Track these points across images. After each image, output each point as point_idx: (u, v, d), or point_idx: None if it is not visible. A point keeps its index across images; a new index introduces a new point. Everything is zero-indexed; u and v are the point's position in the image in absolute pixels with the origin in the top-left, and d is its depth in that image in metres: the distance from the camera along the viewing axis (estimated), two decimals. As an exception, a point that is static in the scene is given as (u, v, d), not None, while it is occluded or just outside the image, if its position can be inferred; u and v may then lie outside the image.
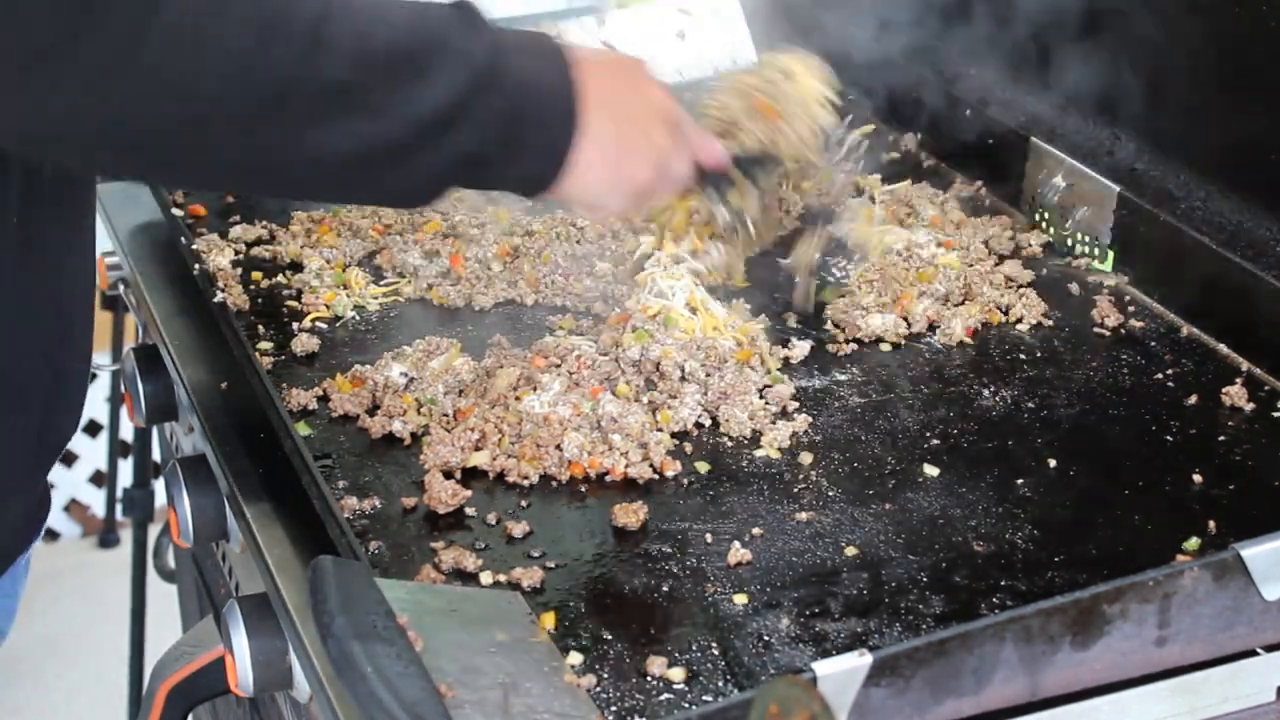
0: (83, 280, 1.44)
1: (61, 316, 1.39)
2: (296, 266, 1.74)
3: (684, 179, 1.44)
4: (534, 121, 1.24)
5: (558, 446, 1.43)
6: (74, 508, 3.70)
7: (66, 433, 1.44)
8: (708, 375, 1.53)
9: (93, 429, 3.66)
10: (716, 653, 1.21)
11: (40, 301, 1.35)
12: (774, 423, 1.49)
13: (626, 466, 1.41)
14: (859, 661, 1.08)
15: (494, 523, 1.36)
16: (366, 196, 1.28)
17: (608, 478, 1.42)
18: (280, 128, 1.12)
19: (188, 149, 1.13)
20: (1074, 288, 1.73)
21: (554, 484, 1.41)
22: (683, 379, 1.52)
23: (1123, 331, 1.65)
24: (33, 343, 1.35)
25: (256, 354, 1.55)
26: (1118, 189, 1.75)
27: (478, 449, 1.43)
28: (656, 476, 1.42)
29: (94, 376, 3.58)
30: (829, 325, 1.65)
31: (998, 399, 1.54)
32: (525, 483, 1.41)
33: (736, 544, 1.32)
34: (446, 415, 1.48)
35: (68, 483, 3.67)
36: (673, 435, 1.47)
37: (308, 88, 1.11)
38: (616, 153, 1.31)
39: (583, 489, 1.41)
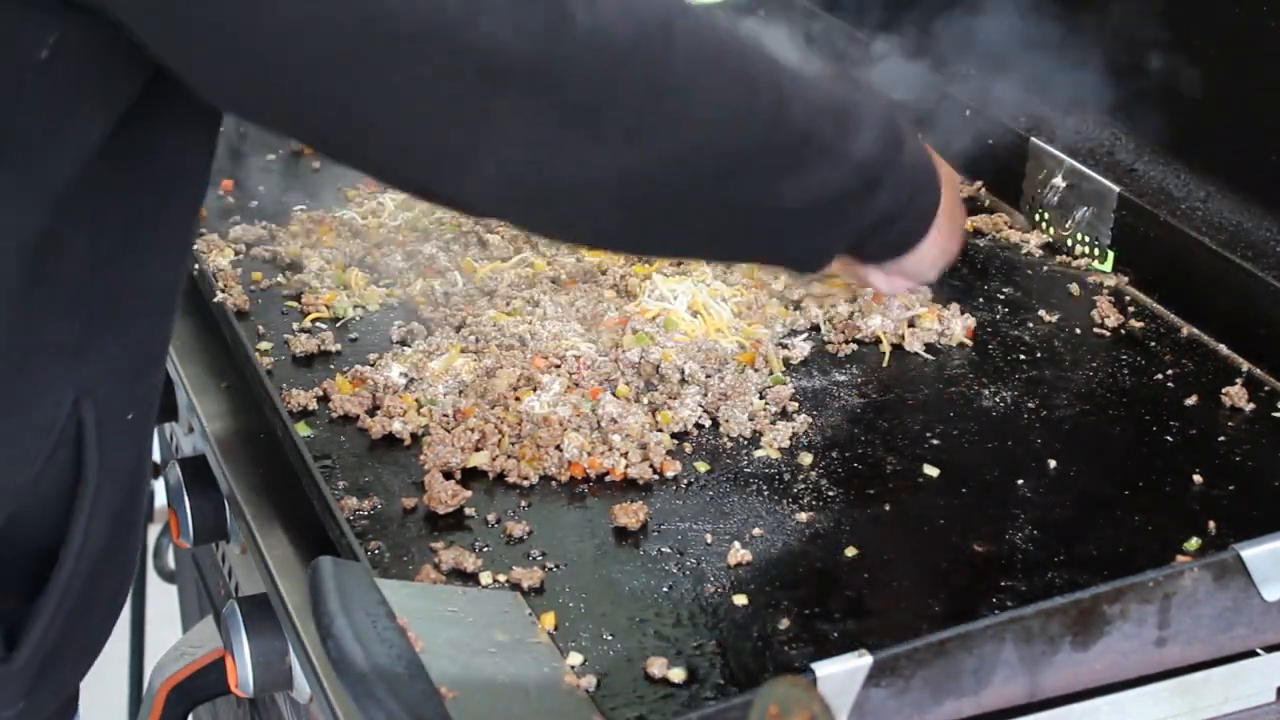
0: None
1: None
2: (296, 266, 1.74)
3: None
4: (920, 185, 1.27)
5: (557, 447, 1.43)
6: (74, 508, 3.69)
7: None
8: (707, 376, 1.53)
9: (93, 429, 3.66)
10: (716, 653, 1.21)
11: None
12: (774, 423, 1.49)
13: (626, 467, 1.41)
14: (859, 661, 1.08)
15: (494, 523, 1.36)
16: (794, 250, 1.25)
17: (607, 478, 1.42)
18: (755, 177, 1.14)
19: (677, 207, 1.13)
20: (1074, 288, 1.73)
21: (554, 484, 1.41)
22: (683, 380, 1.52)
23: (1123, 331, 1.65)
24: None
25: (256, 354, 1.55)
26: (1118, 189, 1.76)
27: (478, 449, 1.43)
28: (656, 477, 1.42)
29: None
30: (828, 324, 1.64)
31: (998, 399, 1.54)
32: (525, 483, 1.41)
33: (736, 544, 1.32)
34: (447, 415, 1.48)
35: (68, 483, 3.66)
36: (673, 435, 1.47)
37: (782, 136, 1.13)
38: (951, 216, 1.35)
39: (583, 489, 1.41)
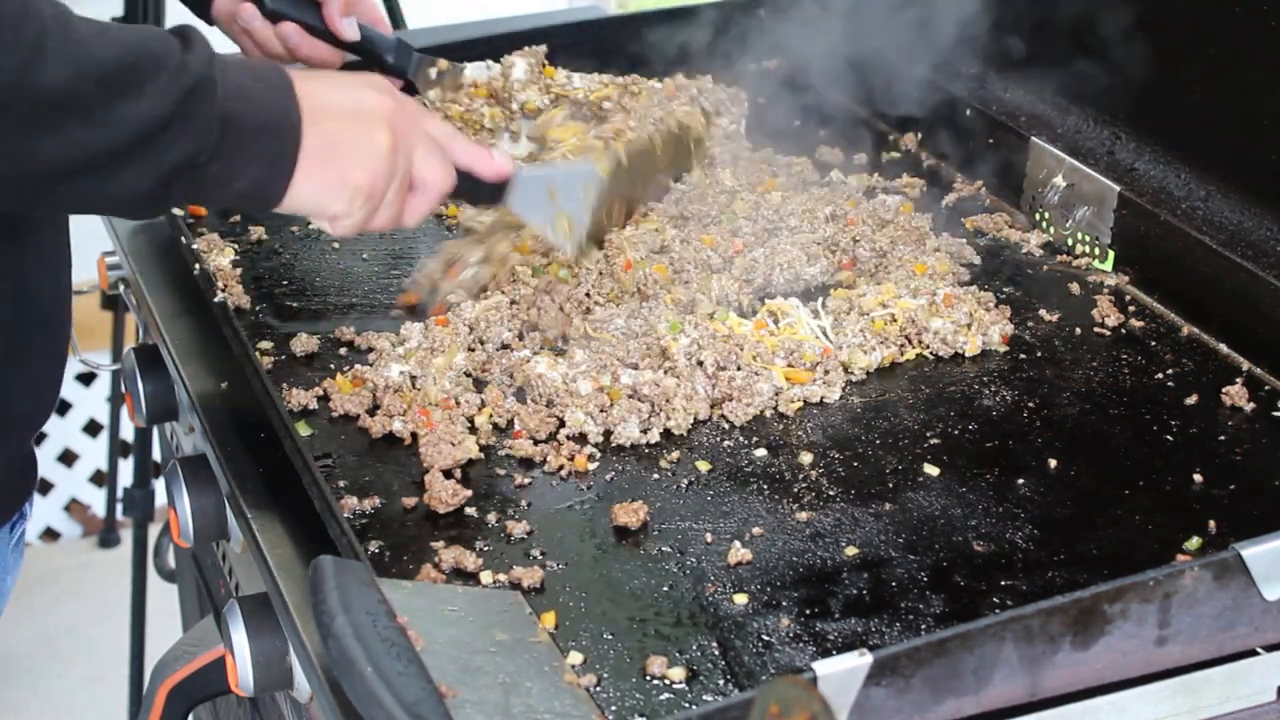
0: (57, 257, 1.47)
1: (30, 275, 1.42)
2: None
3: (434, 184, 1.42)
4: (250, 129, 1.27)
5: (561, 421, 1.45)
6: (74, 508, 3.70)
7: (43, 401, 1.47)
8: (721, 369, 1.53)
9: (93, 429, 3.66)
10: (716, 653, 1.21)
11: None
12: (775, 422, 1.49)
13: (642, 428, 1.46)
14: (859, 661, 1.08)
15: (494, 522, 1.36)
16: (90, 206, 1.28)
17: (612, 439, 1.45)
18: (1, 133, 1.16)
19: None
20: (1074, 288, 1.73)
21: (554, 483, 1.41)
22: (699, 364, 1.54)
23: (1123, 331, 1.65)
24: None
25: (256, 354, 1.55)
26: (1118, 189, 1.76)
27: (472, 429, 1.46)
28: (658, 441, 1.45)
29: (94, 376, 3.59)
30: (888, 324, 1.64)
31: (998, 399, 1.54)
32: (521, 454, 1.44)
33: (736, 544, 1.32)
34: (445, 396, 1.50)
35: (68, 482, 3.67)
36: (673, 435, 1.48)
37: (27, 94, 1.15)
38: (330, 154, 1.32)
39: (584, 488, 1.41)
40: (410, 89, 1.86)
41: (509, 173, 1.51)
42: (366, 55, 1.82)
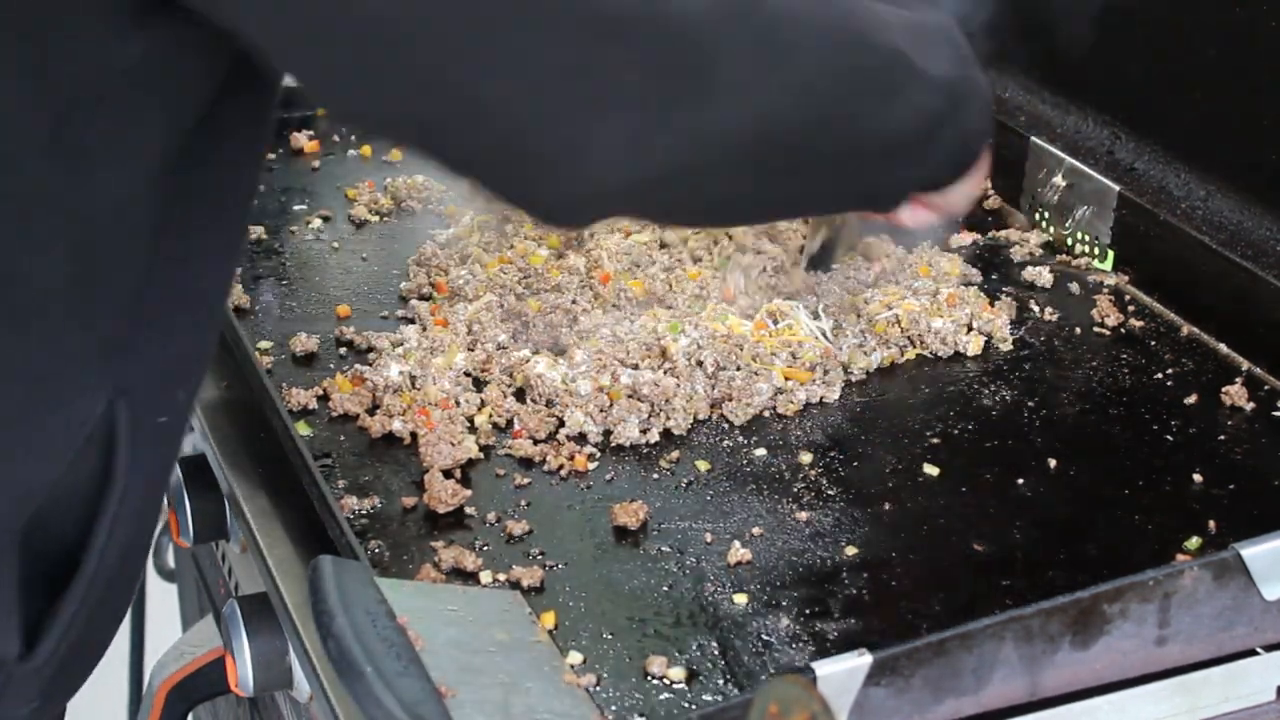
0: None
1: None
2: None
3: None
4: (985, 103, 1.24)
5: (560, 420, 1.45)
6: (74, 507, 3.69)
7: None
8: (720, 369, 1.53)
9: (93, 429, 3.66)
10: (716, 653, 1.21)
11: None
12: (775, 422, 1.49)
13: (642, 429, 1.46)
14: (859, 661, 1.08)
15: (494, 522, 1.36)
16: (887, 191, 1.22)
17: (612, 439, 1.45)
18: (867, 107, 1.11)
19: (800, 154, 1.10)
20: (1074, 288, 1.73)
21: (554, 483, 1.41)
22: (699, 364, 1.53)
23: (1123, 331, 1.65)
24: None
25: (256, 354, 1.55)
26: (1118, 189, 1.76)
27: (472, 429, 1.46)
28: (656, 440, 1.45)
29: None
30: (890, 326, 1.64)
31: (998, 399, 1.54)
32: (521, 454, 1.43)
33: (736, 544, 1.32)
34: (445, 396, 1.50)
35: (68, 482, 3.66)
36: (673, 435, 1.48)
37: (878, 58, 1.11)
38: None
39: (583, 488, 1.41)
40: None
41: None
42: None
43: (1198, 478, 1.41)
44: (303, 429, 1.46)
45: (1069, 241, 1.82)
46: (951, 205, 1.33)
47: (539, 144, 0.99)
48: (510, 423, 1.49)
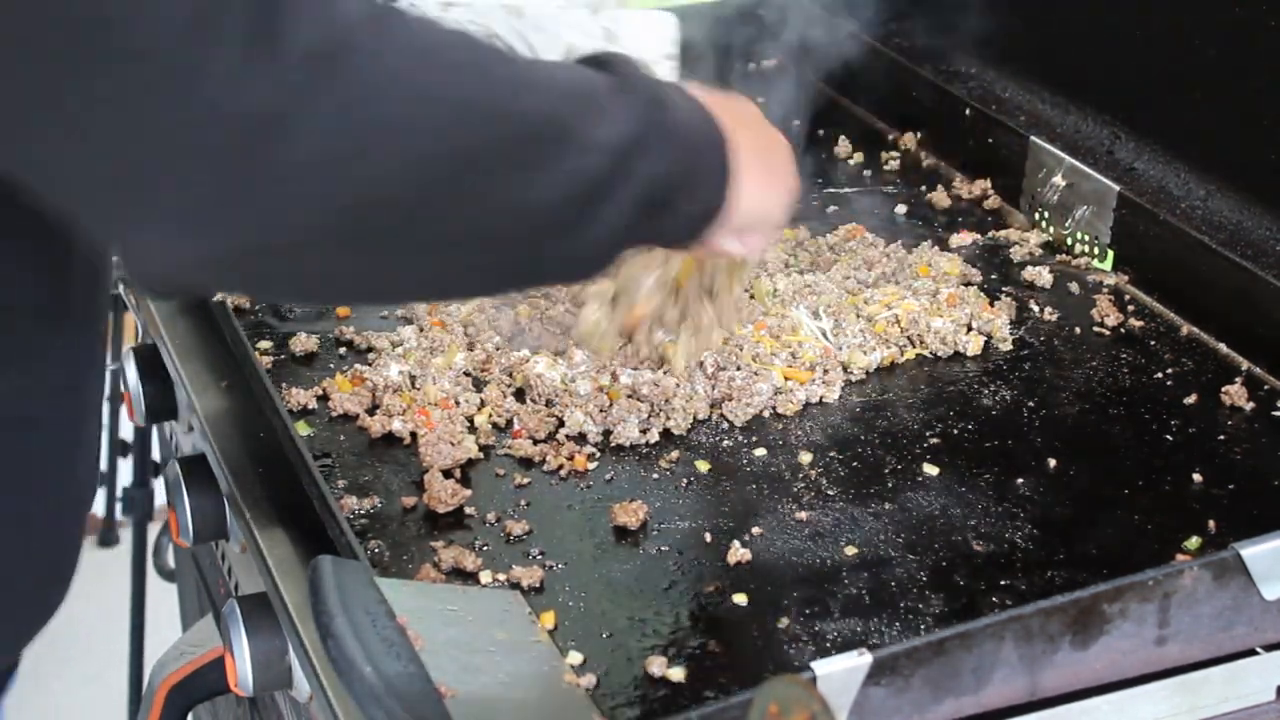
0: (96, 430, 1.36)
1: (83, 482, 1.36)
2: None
3: (794, 191, 1.33)
4: (699, 145, 1.16)
5: (560, 420, 1.45)
6: (74, 507, 3.69)
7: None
8: (720, 369, 1.53)
9: (93, 428, 3.66)
10: (717, 653, 1.21)
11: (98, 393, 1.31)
12: (775, 422, 1.49)
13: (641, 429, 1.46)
14: (859, 661, 1.08)
15: (494, 522, 1.36)
16: (559, 264, 1.11)
17: (612, 439, 1.45)
18: (502, 176, 1.01)
19: (412, 220, 0.99)
20: (1074, 288, 1.73)
21: (553, 482, 1.41)
22: (699, 365, 1.54)
23: (1123, 331, 1.65)
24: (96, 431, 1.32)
25: (256, 354, 1.55)
26: (1118, 188, 1.75)
27: (471, 429, 1.46)
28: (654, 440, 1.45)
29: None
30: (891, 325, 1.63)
31: (998, 399, 1.54)
32: (521, 454, 1.43)
33: (736, 544, 1.32)
34: (445, 396, 1.50)
35: (68, 482, 3.66)
36: (673, 435, 1.48)
37: (520, 127, 1.02)
38: (765, 157, 1.25)
39: (583, 488, 1.41)
40: None
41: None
42: None
43: (1198, 478, 1.41)
44: (303, 429, 1.46)
45: (1069, 241, 1.82)
46: (758, 224, 1.25)
47: (102, 230, 0.99)
48: (510, 423, 1.49)
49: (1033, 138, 1.87)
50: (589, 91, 1.08)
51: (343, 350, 1.60)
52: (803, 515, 1.37)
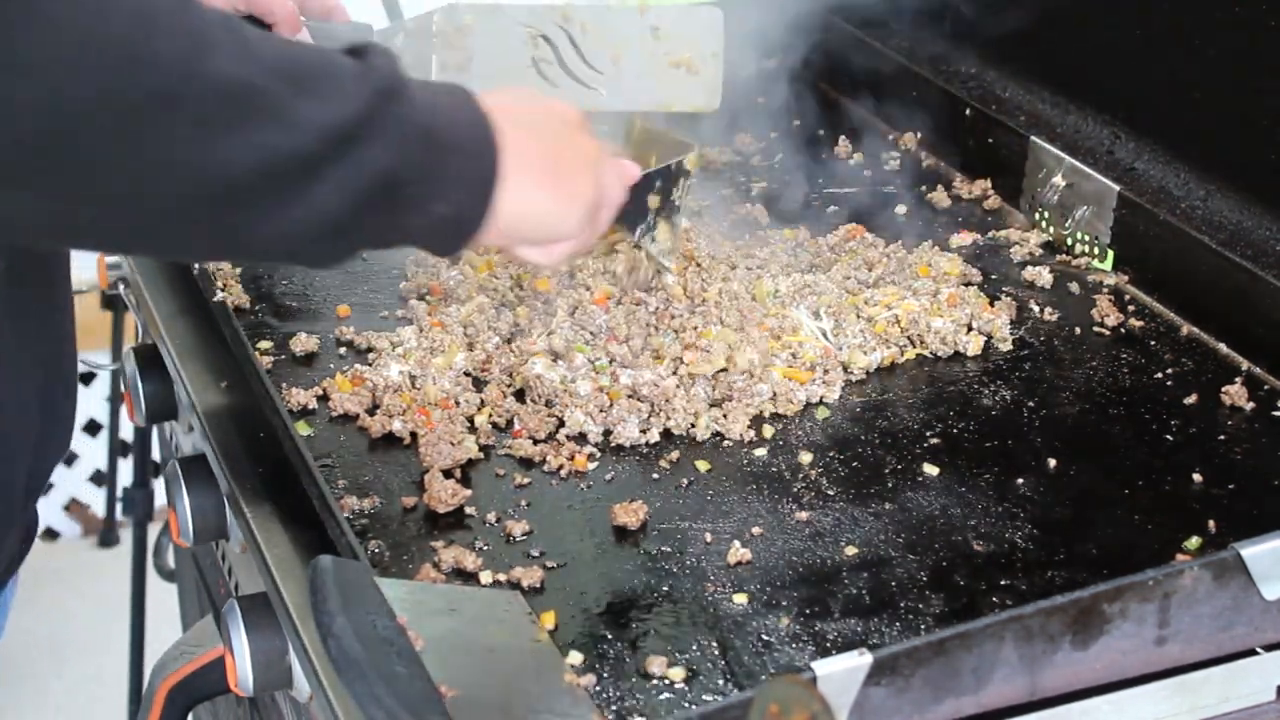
0: (68, 314, 1.41)
1: (51, 361, 1.38)
2: (296, 266, 1.74)
3: (615, 199, 1.31)
4: (450, 144, 1.11)
5: (560, 420, 1.46)
6: (74, 507, 3.70)
7: (52, 467, 1.42)
8: (720, 369, 1.53)
9: (93, 428, 3.66)
10: (716, 653, 1.21)
11: (29, 346, 1.33)
12: (777, 421, 1.49)
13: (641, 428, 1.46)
14: (859, 661, 1.08)
15: (494, 522, 1.36)
16: (275, 243, 1.06)
17: (612, 439, 1.45)
18: (170, 132, 0.97)
19: (60, 162, 0.96)
20: (1074, 288, 1.73)
21: (554, 483, 1.41)
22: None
23: (1123, 331, 1.66)
24: (26, 390, 1.33)
25: (256, 354, 1.55)
26: (1118, 189, 1.76)
27: (472, 429, 1.46)
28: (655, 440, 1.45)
29: (94, 376, 3.59)
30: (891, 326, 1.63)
31: (998, 399, 1.54)
32: (521, 454, 1.43)
33: (736, 544, 1.32)
34: (445, 396, 1.50)
35: (68, 482, 3.67)
36: (673, 435, 1.48)
37: (197, 85, 0.98)
38: (552, 164, 1.20)
39: (583, 488, 1.41)
40: None
41: (636, 176, 1.39)
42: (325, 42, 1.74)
43: (1198, 478, 1.41)
44: (303, 429, 1.46)
45: (1069, 241, 1.82)
46: (545, 236, 1.22)
47: None
48: (510, 423, 1.49)
49: (1033, 138, 1.87)
50: (314, 73, 1.04)
51: (343, 350, 1.60)
52: (803, 515, 1.37)
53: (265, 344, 1.60)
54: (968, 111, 1.97)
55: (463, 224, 1.14)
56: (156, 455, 2.92)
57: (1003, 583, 1.28)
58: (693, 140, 1.55)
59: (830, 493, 1.40)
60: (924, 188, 1.97)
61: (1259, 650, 1.23)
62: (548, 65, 1.71)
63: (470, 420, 1.49)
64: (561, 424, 1.48)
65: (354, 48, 1.11)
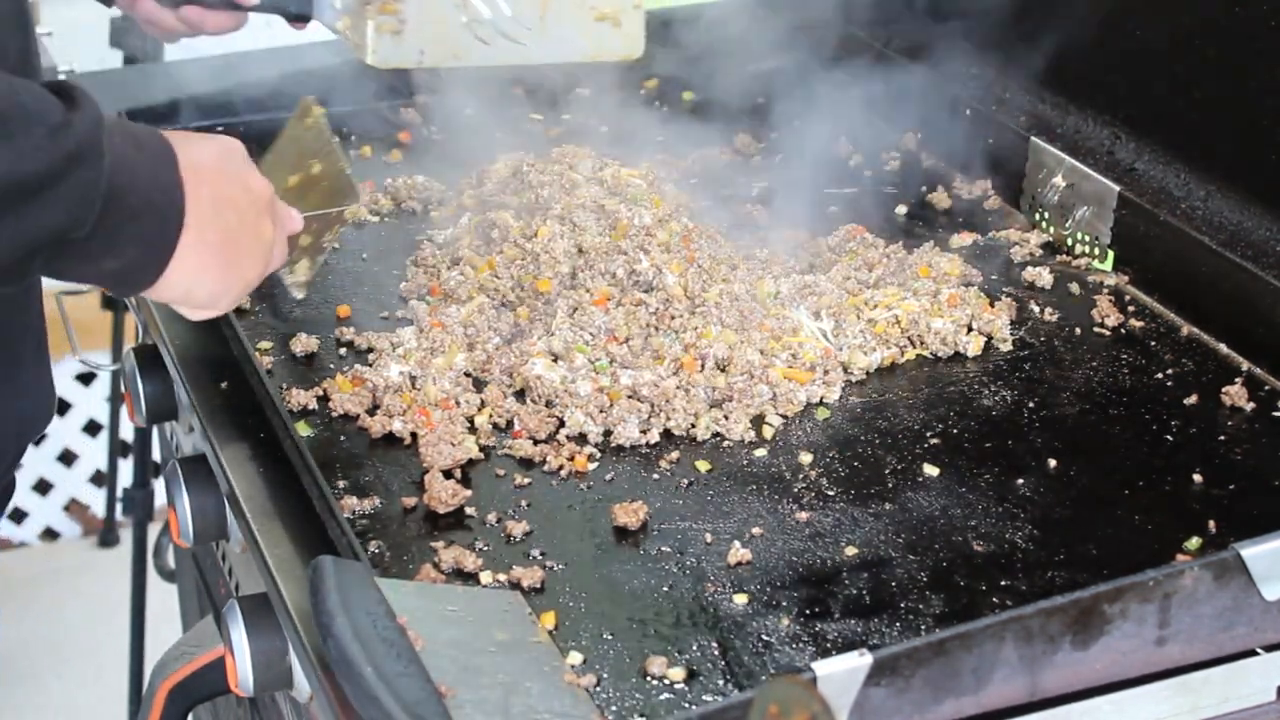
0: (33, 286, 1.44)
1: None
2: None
3: (282, 256, 1.37)
4: (134, 207, 1.14)
5: (560, 421, 1.46)
6: (74, 507, 3.69)
7: (32, 426, 1.42)
8: (723, 370, 1.54)
9: (93, 429, 3.66)
10: (716, 653, 1.21)
11: None
12: (776, 421, 1.49)
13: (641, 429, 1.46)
14: (859, 661, 1.08)
15: (494, 523, 1.36)
16: None
17: (612, 439, 1.45)
18: None
19: None
20: (1074, 288, 1.73)
21: (554, 483, 1.41)
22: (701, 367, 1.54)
23: (1123, 331, 1.65)
24: None
25: (256, 354, 1.55)
26: (1118, 189, 1.76)
27: (471, 429, 1.46)
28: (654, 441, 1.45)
29: (94, 376, 3.59)
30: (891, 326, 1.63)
31: (998, 399, 1.54)
32: (521, 454, 1.43)
33: (736, 544, 1.32)
34: (445, 396, 1.50)
35: (68, 483, 3.67)
36: (673, 435, 1.48)
37: None
38: (230, 253, 1.25)
39: (584, 488, 1.41)
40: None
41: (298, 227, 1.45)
42: (270, 10, 1.76)
43: (1198, 478, 1.41)
44: (303, 429, 1.46)
45: (1069, 241, 1.82)
46: (190, 301, 1.26)
47: None
48: (510, 423, 1.49)
49: (1033, 138, 1.87)
50: (8, 118, 1.06)
51: (343, 351, 1.60)
52: (803, 515, 1.37)
53: (265, 344, 1.60)
54: (968, 111, 1.97)
55: (129, 281, 1.20)
56: (157, 455, 2.92)
57: (1003, 583, 1.28)
58: (361, 191, 1.66)
59: (830, 493, 1.40)
60: (924, 188, 1.97)
61: (1259, 651, 1.23)
62: (479, 26, 1.75)
63: (470, 420, 1.49)
64: (562, 424, 1.48)
65: (63, 87, 1.12)
